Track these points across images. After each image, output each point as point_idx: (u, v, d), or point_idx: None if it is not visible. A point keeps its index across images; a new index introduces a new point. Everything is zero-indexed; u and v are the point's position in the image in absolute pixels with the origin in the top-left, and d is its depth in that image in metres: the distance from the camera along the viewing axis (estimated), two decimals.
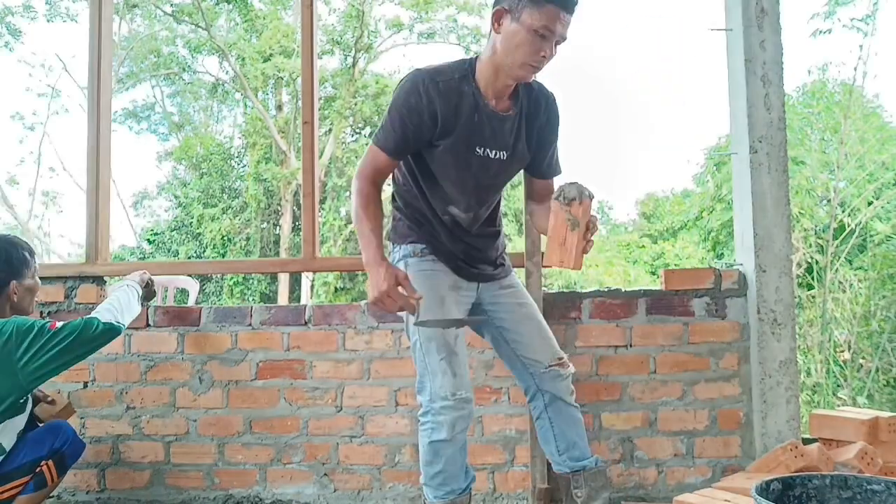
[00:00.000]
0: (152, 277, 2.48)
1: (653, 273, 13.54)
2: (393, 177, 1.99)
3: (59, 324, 1.99)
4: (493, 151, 1.88)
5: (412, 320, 1.78)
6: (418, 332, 1.82)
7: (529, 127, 1.93)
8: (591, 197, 1.67)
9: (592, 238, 1.69)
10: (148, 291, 2.44)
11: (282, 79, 15.67)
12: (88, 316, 2.05)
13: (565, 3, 1.71)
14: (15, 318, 2.01)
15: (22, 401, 2.01)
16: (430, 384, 1.81)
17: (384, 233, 1.93)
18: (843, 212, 4.94)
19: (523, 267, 2.47)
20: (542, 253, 2.39)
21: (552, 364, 1.99)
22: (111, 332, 2.05)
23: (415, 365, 1.88)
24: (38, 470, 2.04)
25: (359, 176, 1.85)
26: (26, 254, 2.14)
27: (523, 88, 1.91)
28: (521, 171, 2.05)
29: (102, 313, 2.07)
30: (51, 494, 2.34)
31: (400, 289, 1.70)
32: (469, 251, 1.97)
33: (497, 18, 1.76)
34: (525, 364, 2.01)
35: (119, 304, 2.15)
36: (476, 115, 1.83)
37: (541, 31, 1.70)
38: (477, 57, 1.88)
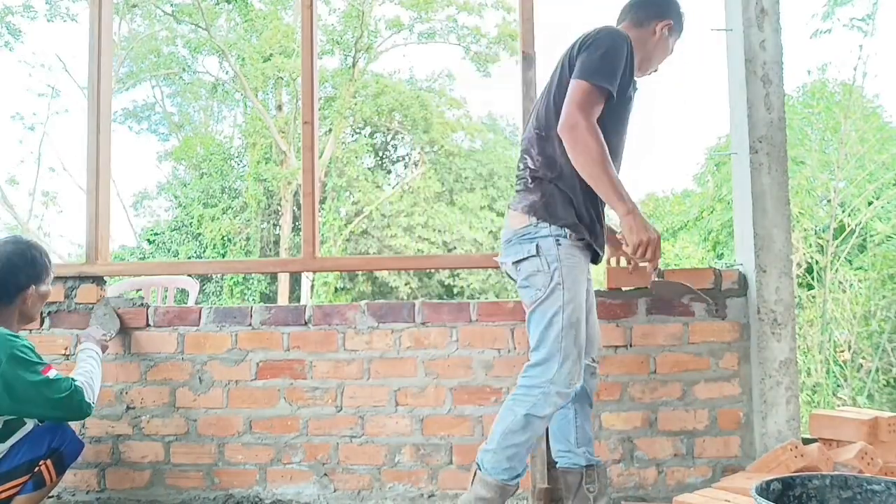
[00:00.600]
0: (105, 337, 2.47)
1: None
2: (542, 151, 1.97)
3: (52, 373, 1.99)
4: (632, 93, 2.06)
5: (556, 301, 1.86)
6: (563, 313, 1.85)
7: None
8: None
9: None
10: (103, 347, 2.42)
11: (282, 79, 15.66)
12: (77, 383, 2.03)
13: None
14: (9, 337, 1.98)
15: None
16: (558, 366, 1.84)
17: (525, 205, 1.95)
18: (843, 212, 4.94)
19: None
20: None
21: (596, 359, 2.12)
22: (86, 412, 2.05)
23: (539, 336, 1.88)
24: (36, 469, 2.03)
25: (584, 116, 1.83)
26: (47, 260, 2.17)
27: None
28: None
29: (86, 388, 2.06)
30: (50, 494, 2.34)
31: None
32: (601, 233, 2.02)
33: (667, 27, 2.12)
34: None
35: (95, 382, 2.15)
36: (632, 81, 2.03)
37: (671, 51, 2.19)
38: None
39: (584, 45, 1.93)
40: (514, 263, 1.96)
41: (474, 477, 1.88)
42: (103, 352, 2.37)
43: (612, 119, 1.94)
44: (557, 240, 1.90)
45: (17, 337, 1.99)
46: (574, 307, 1.87)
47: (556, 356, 1.85)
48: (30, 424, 2.06)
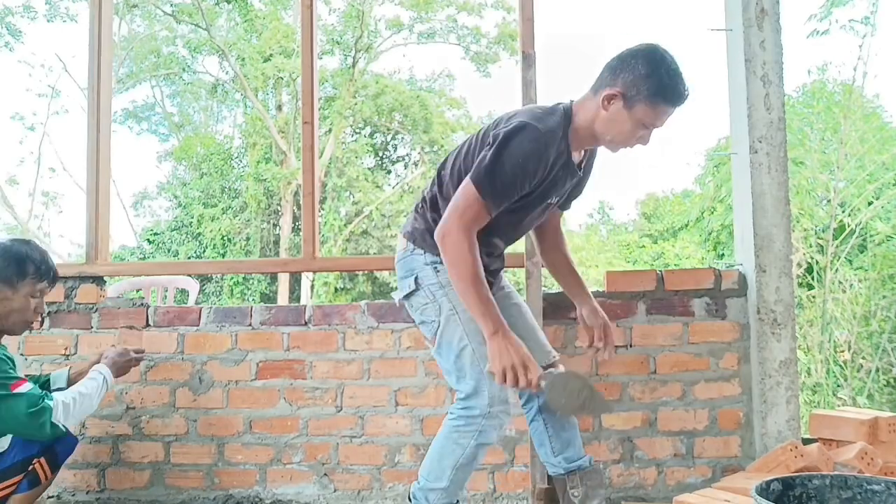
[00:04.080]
0: (134, 353, 2.31)
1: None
2: (439, 184, 1.92)
3: (23, 388, 1.88)
4: (556, 198, 1.92)
5: (455, 328, 1.80)
6: (468, 337, 1.79)
7: (585, 173, 1.99)
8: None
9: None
10: (125, 367, 2.27)
11: (282, 79, 15.67)
12: (48, 404, 1.91)
13: (680, 101, 1.75)
14: None
15: None
16: (489, 388, 1.77)
17: (408, 230, 1.92)
18: (843, 212, 4.94)
19: (523, 267, 2.46)
20: None
21: (546, 365, 1.97)
22: (49, 433, 1.92)
23: (456, 368, 1.81)
24: (30, 468, 2.02)
25: (461, 228, 1.72)
26: (31, 263, 2.04)
27: None
28: None
29: (62, 411, 1.93)
30: (50, 494, 2.34)
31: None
32: (491, 265, 1.96)
33: (608, 98, 1.74)
34: None
35: (83, 402, 2.01)
36: (562, 169, 1.83)
37: (648, 124, 1.76)
38: (571, 108, 1.83)
39: (495, 135, 1.76)
40: (402, 301, 1.91)
41: None
42: (134, 364, 2.29)
43: (507, 212, 1.82)
44: (435, 266, 1.84)
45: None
46: (475, 326, 1.77)
47: (482, 381, 1.77)
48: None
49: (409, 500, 1.86)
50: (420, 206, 1.97)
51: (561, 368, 2.00)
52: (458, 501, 1.84)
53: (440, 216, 1.81)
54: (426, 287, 1.85)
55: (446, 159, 1.98)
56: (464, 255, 1.72)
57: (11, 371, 1.91)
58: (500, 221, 1.83)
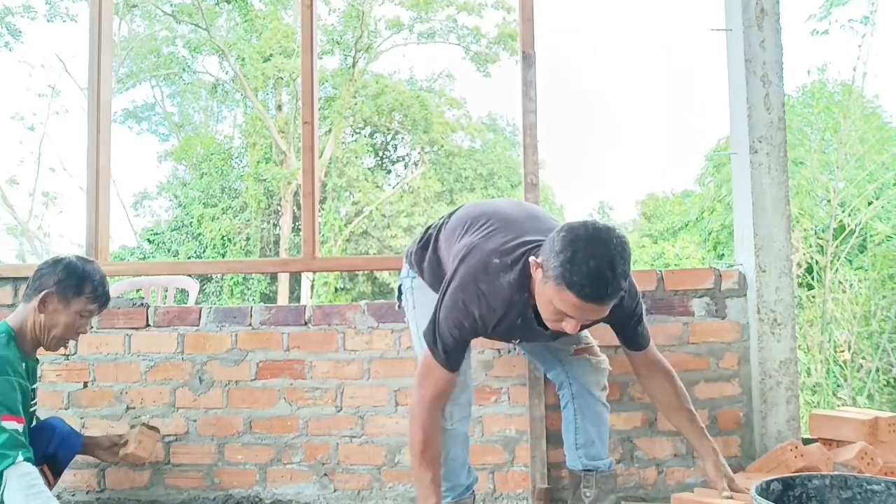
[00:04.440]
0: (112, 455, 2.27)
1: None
2: (435, 242, 1.97)
3: (10, 424, 1.78)
4: (533, 340, 1.92)
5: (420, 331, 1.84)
6: (424, 346, 1.81)
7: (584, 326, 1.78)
8: None
9: None
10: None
11: (282, 79, 15.66)
12: (24, 457, 1.77)
13: (589, 297, 1.48)
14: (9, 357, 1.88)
15: None
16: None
17: (409, 258, 2.02)
18: (843, 212, 4.94)
19: None
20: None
21: (579, 348, 1.98)
22: None
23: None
24: None
25: (420, 401, 1.73)
26: (90, 283, 2.05)
27: None
28: None
29: (20, 473, 1.75)
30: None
31: None
32: None
33: (533, 266, 1.60)
34: (551, 350, 2.01)
35: (37, 493, 1.76)
36: (520, 319, 1.74)
37: (561, 309, 1.55)
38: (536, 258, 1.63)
39: (446, 281, 1.74)
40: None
41: None
42: (109, 458, 2.25)
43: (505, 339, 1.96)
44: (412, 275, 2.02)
45: (8, 360, 1.88)
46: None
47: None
48: None
49: None
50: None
51: (604, 360, 2.05)
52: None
53: (431, 268, 1.96)
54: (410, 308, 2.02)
55: (441, 225, 2.01)
56: (418, 428, 1.73)
57: (13, 402, 1.83)
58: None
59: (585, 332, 2.03)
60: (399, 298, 2.14)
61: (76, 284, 2.01)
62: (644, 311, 1.86)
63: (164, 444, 2.56)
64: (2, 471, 1.74)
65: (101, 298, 2.07)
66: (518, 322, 1.73)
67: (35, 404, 2.10)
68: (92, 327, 2.14)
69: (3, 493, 1.75)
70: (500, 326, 1.73)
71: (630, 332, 1.89)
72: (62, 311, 2.00)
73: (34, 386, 2.08)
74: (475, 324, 1.69)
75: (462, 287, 1.68)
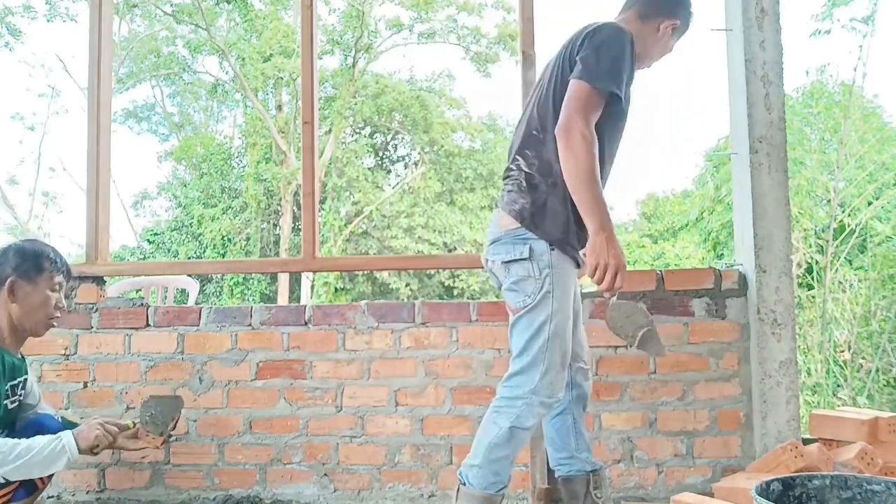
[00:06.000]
0: (110, 435, 2.03)
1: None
2: (538, 154, 1.88)
3: None
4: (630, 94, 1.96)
5: (545, 310, 1.79)
6: (551, 322, 1.79)
7: None
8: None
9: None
10: (92, 442, 1.97)
11: (282, 79, 15.67)
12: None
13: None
14: None
15: None
16: (541, 376, 1.78)
17: (515, 209, 1.86)
18: (843, 212, 4.94)
19: None
20: None
21: (586, 361, 2.06)
22: None
23: (524, 344, 1.81)
24: None
25: (586, 123, 1.74)
26: (46, 260, 2.04)
27: None
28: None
29: (6, 457, 1.80)
30: (50, 495, 2.34)
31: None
32: (583, 240, 1.89)
33: (667, 27, 2.03)
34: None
35: (20, 456, 1.82)
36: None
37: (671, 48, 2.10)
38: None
39: (585, 41, 1.82)
40: (503, 263, 1.86)
41: (458, 493, 1.83)
42: (104, 444, 2.00)
43: (609, 123, 1.86)
44: (551, 247, 1.82)
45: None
46: (562, 317, 1.80)
47: (539, 365, 1.78)
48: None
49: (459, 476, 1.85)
50: (521, 182, 1.89)
51: (589, 372, 2.07)
52: (500, 490, 1.81)
53: (538, 193, 1.84)
54: (537, 260, 1.81)
55: (526, 113, 1.98)
56: (585, 149, 1.73)
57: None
58: (602, 140, 1.83)
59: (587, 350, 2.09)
60: (522, 255, 1.85)
61: (34, 263, 2.02)
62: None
63: (164, 444, 2.56)
64: None
65: (64, 267, 2.09)
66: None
67: (17, 401, 2.06)
68: (63, 305, 2.09)
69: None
70: (632, 70, 1.90)
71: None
72: (33, 293, 2.00)
73: (12, 383, 2.03)
74: (632, 59, 1.86)
75: (620, 29, 1.87)
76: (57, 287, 2.06)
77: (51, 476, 2.08)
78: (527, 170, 1.89)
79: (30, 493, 2.04)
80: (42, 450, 1.86)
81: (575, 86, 1.78)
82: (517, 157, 1.93)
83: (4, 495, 1.97)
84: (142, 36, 17.38)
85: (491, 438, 1.79)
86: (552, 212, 1.83)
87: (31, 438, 1.88)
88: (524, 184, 1.88)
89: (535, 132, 1.90)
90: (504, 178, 1.98)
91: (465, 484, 1.81)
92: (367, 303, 2.57)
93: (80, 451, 1.93)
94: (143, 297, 3.39)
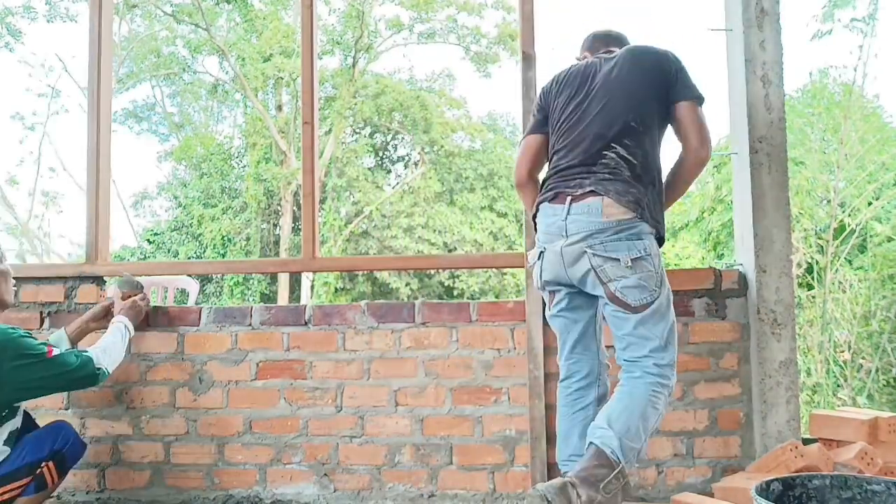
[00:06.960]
0: (140, 300, 2.50)
1: None
2: (640, 145, 1.97)
3: (55, 351, 2.01)
4: None
5: (669, 302, 1.94)
6: (672, 314, 1.95)
7: None
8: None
9: None
10: (139, 313, 2.48)
11: (282, 79, 15.66)
12: (86, 354, 2.09)
13: None
14: (8, 329, 1.97)
15: (6, 412, 2.02)
16: (674, 355, 1.94)
17: (631, 200, 1.91)
18: (843, 212, 4.94)
19: (523, 267, 2.46)
20: None
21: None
22: (99, 378, 2.12)
23: (666, 338, 1.92)
24: (38, 472, 2.04)
25: (708, 144, 2.01)
26: None
27: None
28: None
29: (100, 356, 2.13)
30: (51, 495, 2.34)
31: None
32: None
33: None
34: (601, 349, 2.11)
35: (113, 349, 2.23)
36: None
37: None
38: None
39: (675, 64, 2.04)
40: (633, 261, 1.87)
41: (619, 472, 1.78)
42: (146, 307, 2.50)
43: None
44: (655, 238, 1.97)
45: (14, 329, 1.99)
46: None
47: (671, 345, 1.93)
48: (18, 419, 2.07)
49: (602, 447, 1.81)
50: (625, 172, 1.93)
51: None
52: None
53: (646, 186, 1.94)
54: (654, 256, 1.92)
55: (604, 103, 2.01)
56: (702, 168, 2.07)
57: (35, 341, 2.00)
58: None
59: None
60: (645, 252, 1.91)
61: None
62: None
63: (164, 444, 2.56)
64: (97, 366, 2.10)
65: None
66: None
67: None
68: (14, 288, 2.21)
69: (106, 365, 2.15)
70: None
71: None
72: None
73: None
74: None
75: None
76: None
77: (63, 476, 2.13)
78: (631, 159, 1.94)
79: (40, 489, 2.07)
80: (119, 341, 2.28)
81: (692, 111, 2.01)
82: (613, 144, 1.96)
83: (15, 489, 1.99)
84: (142, 36, 17.37)
85: (654, 423, 1.91)
86: (660, 205, 1.98)
87: (107, 336, 2.27)
88: (629, 174, 1.94)
89: (633, 124, 1.97)
90: (586, 165, 1.97)
91: (625, 462, 1.83)
92: (367, 303, 2.57)
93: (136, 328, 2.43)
94: None
